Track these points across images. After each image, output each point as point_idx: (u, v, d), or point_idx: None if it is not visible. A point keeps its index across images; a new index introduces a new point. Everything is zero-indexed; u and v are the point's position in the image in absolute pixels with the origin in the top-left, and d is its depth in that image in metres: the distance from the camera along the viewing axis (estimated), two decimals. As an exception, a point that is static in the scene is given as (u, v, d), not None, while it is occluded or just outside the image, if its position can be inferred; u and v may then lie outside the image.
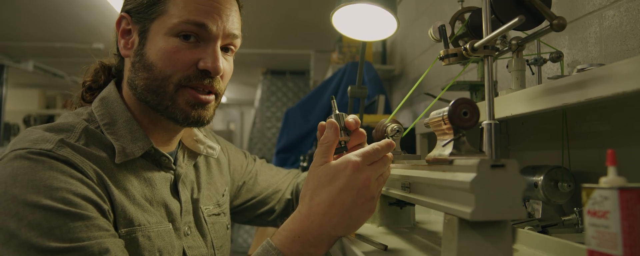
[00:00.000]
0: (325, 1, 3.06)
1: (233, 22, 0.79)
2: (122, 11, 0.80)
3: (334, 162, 0.65)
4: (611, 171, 0.41)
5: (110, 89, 0.81)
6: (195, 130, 0.91)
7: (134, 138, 0.76)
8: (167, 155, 0.81)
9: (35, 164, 0.64)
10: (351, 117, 0.72)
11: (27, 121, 6.06)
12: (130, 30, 0.79)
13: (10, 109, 5.44)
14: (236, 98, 8.28)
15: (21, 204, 0.61)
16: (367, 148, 0.66)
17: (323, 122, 0.75)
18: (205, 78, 0.76)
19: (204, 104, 0.78)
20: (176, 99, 0.76)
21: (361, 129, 0.73)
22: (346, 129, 0.72)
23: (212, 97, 0.79)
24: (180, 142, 0.89)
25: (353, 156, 0.64)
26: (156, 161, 0.80)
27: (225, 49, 0.81)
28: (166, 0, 0.75)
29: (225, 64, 0.80)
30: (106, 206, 0.68)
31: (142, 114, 0.80)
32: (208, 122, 0.80)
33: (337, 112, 0.74)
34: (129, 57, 0.80)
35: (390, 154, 0.68)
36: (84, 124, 0.74)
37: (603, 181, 0.41)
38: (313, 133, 2.55)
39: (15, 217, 0.60)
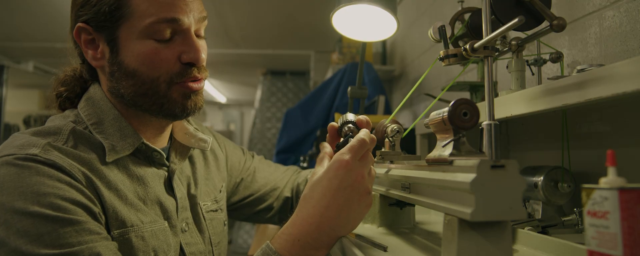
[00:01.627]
0: (325, 2, 3.06)
1: (199, 5, 0.78)
2: (77, 22, 0.76)
3: (327, 166, 0.66)
4: (611, 171, 0.41)
5: (94, 89, 0.80)
6: (185, 124, 0.90)
7: (123, 135, 0.76)
8: (159, 150, 0.80)
9: (21, 170, 0.64)
10: (363, 117, 0.74)
11: (27, 122, 6.05)
12: (94, 40, 0.76)
13: (10, 109, 5.43)
14: (236, 99, 8.28)
15: (9, 211, 0.61)
16: (353, 142, 0.66)
17: (333, 123, 0.76)
18: (192, 69, 0.77)
19: (196, 91, 0.79)
20: (171, 95, 0.76)
21: (372, 135, 0.72)
22: (355, 123, 0.73)
23: (202, 83, 0.80)
24: (171, 138, 0.88)
25: (342, 155, 0.65)
26: (148, 157, 0.80)
27: (196, 33, 0.80)
28: (128, 2, 0.72)
29: (203, 49, 0.80)
30: (97, 209, 0.67)
31: (131, 116, 0.79)
32: (201, 107, 0.81)
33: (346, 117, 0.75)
34: (102, 67, 0.77)
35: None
36: (71, 125, 0.73)
37: (603, 181, 0.41)
38: (313, 133, 2.54)
39: (4, 225, 0.60)
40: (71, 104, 0.82)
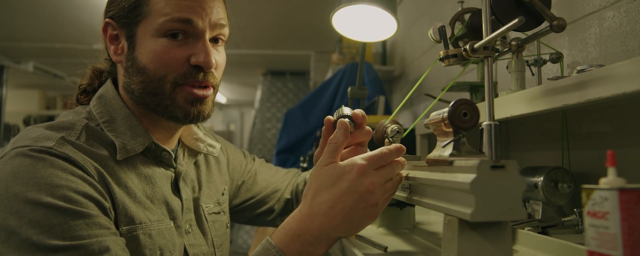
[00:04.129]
0: (325, 2, 3.06)
1: (218, 12, 0.79)
2: (105, 17, 0.80)
3: (340, 163, 0.64)
4: (611, 172, 0.41)
5: (107, 87, 0.81)
6: (195, 128, 0.92)
7: (134, 134, 0.76)
8: (168, 150, 0.81)
9: (36, 161, 0.64)
10: (359, 111, 0.71)
11: (27, 122, 6.06)
12: (118, 36, 0.79)
13: (10, 110, 5.44)
14: (236, 99, 8.28)
15: (22, 201, 0.61)
16: (376, 151, 0.64)
17: (330, 117, 0.73)
18: (199, 73, 0.77)
19: (202, 99, 0.78)
20: (175, 97, 0.76)
21: (368, 127, 0.72)
22: (351, 117, 0.69)
23: (210, 91, 0.80)
24: (180, 141, 0.89)
25: (359, 159, 0.63)
26: (157, 157, 0.80)
27: (215, 39, 0.80)
28: (147, 1, 0.75)
29: (217, 55, 0.80)
30: (107, 204, 0.68)
31: (141, 115, 0.80)
32: (208, 116, 0.81)
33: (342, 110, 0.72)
34: (121, 62, 0.80)
35: (402, 158, 0.66)
36: (84, 121, 0.74)
37: (603, 182, 0.41)
38: (313, 133, 2.54)
39: (15, 215, 0.60)
40: (87, 97, 0.85)
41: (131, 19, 0.76)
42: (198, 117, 0.79)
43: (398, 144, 0.67)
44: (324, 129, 0.74)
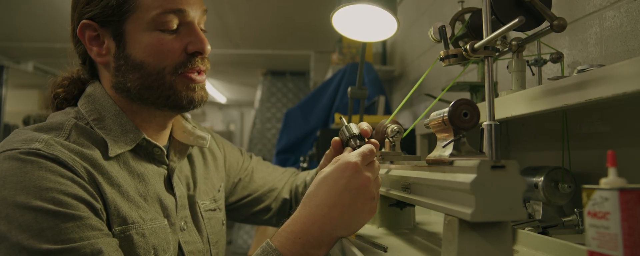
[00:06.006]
0: (325, 2, 3.06)
1: None
2: (82, 19, 0.77)
3: (334, 166, 0.66)
4: (611, 172, 0.41)
5: (95, 86, 0.80)
6: (183, 122, 0.91)
7: (124, 130, 0.76)
8: (160, 146, 0.80)
9: (24, 164, 0.63)
10: (365, 125, 0.76)
11: (26, 122, 6.03)
12: (99, 36, 0.77)
13: (10, 110, 5.43)
14: (236, 99, 8.28)
15: (11, 206, 0.60)
16: (364, 148, 0.68)
17: (336, 139, 0.79)
18: (196, 60, 0.78)
19: (201, 85, 0.81)
20: (175, 87, 0.77)
21: (374, 140, 0.76)
22: (361, 137, 0.75)
23: (204, 76, 0.82)
24: (170, 137, 0.88)
25: (352, 157, 0.65)
26: (149, 154, 0.80)
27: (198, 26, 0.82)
28: None
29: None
30: (98, 205, 0.67)
31: (133, 112, 0.80)
32: (206, 100, 0.83)
33: (346, 124, 0.77)
34: (107, 63, 0.78)
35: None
36: (73, 121, 0.74)
37: (603, 182, 0.40)
38: (313, 133, 2.54)
39: (5, 219, 0.60)
40: (68, 105, 0.82)
41: (118, 17, 0.74)
42: (200, 102, 0.81)
43: (374, 140, 0.75)
44: (330, 151, 0.80)
